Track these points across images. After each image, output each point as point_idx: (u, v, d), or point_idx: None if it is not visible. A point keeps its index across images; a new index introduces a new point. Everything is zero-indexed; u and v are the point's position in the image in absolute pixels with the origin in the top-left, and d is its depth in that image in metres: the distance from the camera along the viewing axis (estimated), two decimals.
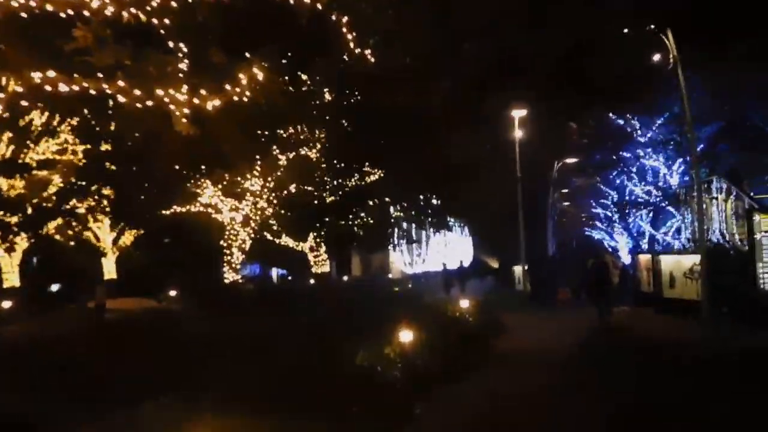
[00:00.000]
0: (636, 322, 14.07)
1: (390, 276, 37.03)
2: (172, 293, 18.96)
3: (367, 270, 39.16)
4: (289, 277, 34.10)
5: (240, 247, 16.58)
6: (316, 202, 18.82)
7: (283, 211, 17.65)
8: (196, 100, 6.05)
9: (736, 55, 18.66)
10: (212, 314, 13.62)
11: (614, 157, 26.48)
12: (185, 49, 6.35)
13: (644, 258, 16.91)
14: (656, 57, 13.07)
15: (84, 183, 15.44)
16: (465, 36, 17.69)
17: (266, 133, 14.55)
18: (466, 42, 17.47)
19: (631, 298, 17.13)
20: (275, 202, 16.85)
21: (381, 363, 8.23)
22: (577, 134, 25.13)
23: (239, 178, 15.58)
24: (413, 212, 22.38)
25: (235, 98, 6.22)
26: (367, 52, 7.41)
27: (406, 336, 9.25)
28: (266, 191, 16.25)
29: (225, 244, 16.47)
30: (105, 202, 16.32)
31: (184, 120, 6.18)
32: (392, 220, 23.00)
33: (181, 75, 6.24)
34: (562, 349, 10.98)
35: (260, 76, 6.31)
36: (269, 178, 16.31)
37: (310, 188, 17.68)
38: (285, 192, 16.95)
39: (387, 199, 20.65)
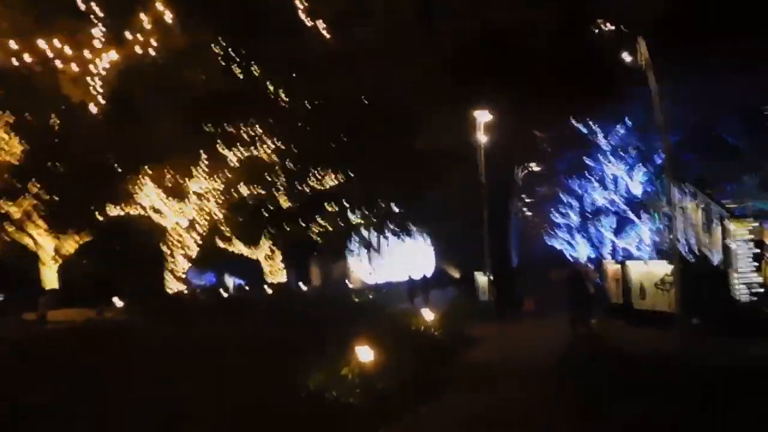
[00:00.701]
0: (607, 334, 13.49)
1: (350, 285, 35.97)
2: (118, 303, 17.42)
3: (327, 279, 38.03)
4: (246, 287, 32.72)
5: (185, 254, 15.08)
6: (269, 206, 17.52)
7: (232, 216, 16.26)
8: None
9: (702, 63, 18.69)
10: (157, 326, 12.31)
11: (575, 166, 26.40)
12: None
13: (612, 267, 16.49)
14: (627, 59, 12.61)
15: (19, 184, 13.73)
16: (441, 14, 16.72)
17: (209, 125, 13.20)
18: (442, 21, 16.47)
19: (599, 309, 16.66)
20: (224, 204, 15.44)
21: (337, 387, 7.16)
22: (542, 141, 24.84)
23: (181, 178, 14.07)
24: (373, 218, 21.37)
25: (139, 49, 5.12)
26: (322, 27, 6.44)
27: (366, 354, 8.21)
28: (214, 193, 14.82)
29: (168, 251, 14.92)
30: (41, 205, 14.59)
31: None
32: (352, 226, 21.88)
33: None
34: (533, 363, 10.23)
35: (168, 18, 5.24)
36: (216, 178, 14.91)
37: (262, 191, 16.38)
38: (235, 194, 15.56)
39: (346, 204, 19.56)
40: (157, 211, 14.50)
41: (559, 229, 34.67)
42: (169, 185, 14.19)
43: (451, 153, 21.87)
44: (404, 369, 8.68)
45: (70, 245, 27.54)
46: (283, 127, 15.63)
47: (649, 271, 13.96)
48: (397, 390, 7.67)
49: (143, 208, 14.54)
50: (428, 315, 13.18)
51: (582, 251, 33.53)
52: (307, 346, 9.36)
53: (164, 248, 15.02)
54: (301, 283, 37.17)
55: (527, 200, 32.35)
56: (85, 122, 9.81)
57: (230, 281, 43.67)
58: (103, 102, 6.90)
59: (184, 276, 14.99)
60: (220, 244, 19.92)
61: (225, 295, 36.80)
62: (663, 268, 13.34)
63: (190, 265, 15.18)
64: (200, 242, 15.19)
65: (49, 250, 26.44)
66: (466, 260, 41.82)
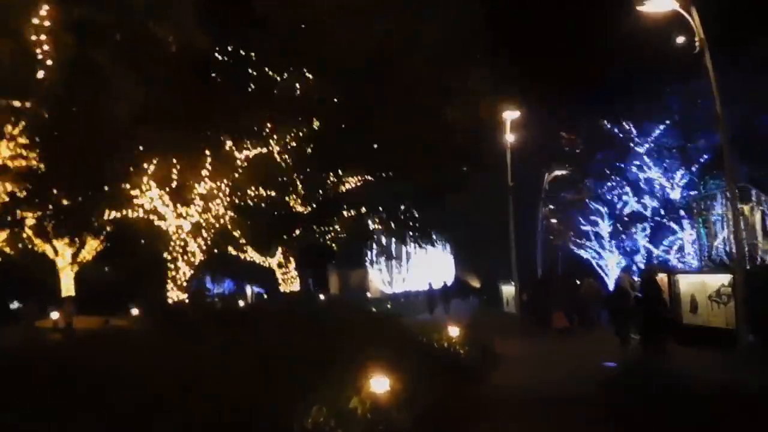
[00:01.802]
0: (654, 354, 11.82)
1: (369, 295, 34.63)
2: (134, 311, 16.86)
3: (345, 288, 36.85)
4: (265, 296, 31.86)
5: (188, 261, 13.88)
6: (282, 210, 16.28)
7: (241, 220, 15.04)
8: None
9: (748, 60, 17.00)
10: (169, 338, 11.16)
11: (607, 171, 24.66)
12: None
13: (657, 279, 14.74)
14: (679, 40, 11.05)
15: (37, 190, 12.79)
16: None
17: (210, 119, 12.00)
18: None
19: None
20: (230, 208, 14.22)
21: (344, 426, 5.74)
22: (570, 143, 23.20)
23: (182, 175, 12.87)
24: (393, 224, 19.94)
25: None
26: None
27: (380, 383, 6.75)
28: (221, 195, 13.61)
29: (169, 257, 13.74)
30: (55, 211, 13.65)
31: None
32: (370, 234, 20.51)
33: None
34: (572, 390, 8.67)
35: None
36: (224, 180, 13.70)
37: (273, 193, 15.13)
38: (243, 197, 14.34)
39: (364, 209, 18.19)
40: (157, 213, 13.32)
41: (587, 238, 32.81)
42: (170, 183, 12.98)
43: (474, 156, 20.32)
44: (425, 398, 7.21)
45: (88, 252, 26.90)
46: (299, 129, 14.36)
47: (703, 281, 12.26)
48: (414, 426, 6.22)
49: (145, 211, 13.39)
50: (452, 330, 11.69)
51: (611, 261, 31.58)
52: (310, 367, 7.90)
53: (165, 254, 13.84)
54: (321, 294, 35.93)
55: (551, 207, 30.59)
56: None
57: (249, 289, 42.83)
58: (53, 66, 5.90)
59: (185, 284, 13.80)
60: (232, 251, 18.68)
61: (241, 303, 35.99)
62: (718, 279, 11.64)
63: (192, 272, 13.97)
64: (205, 248, 13.98)
65: (67, 257, 25.84)
66: (487, 269, 40.24)
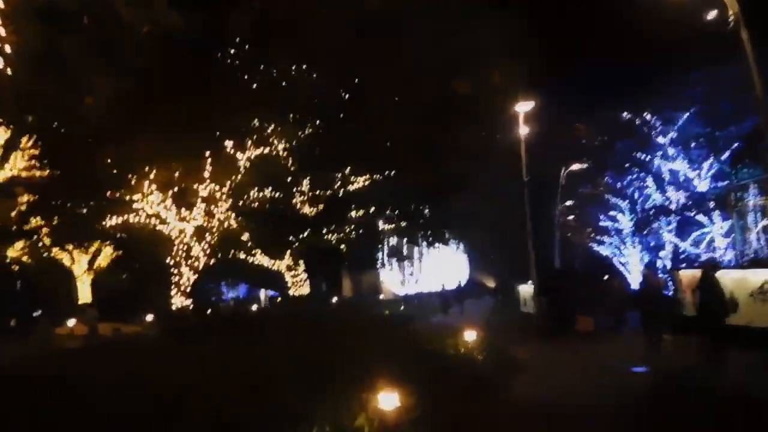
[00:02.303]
0: (690, 358, 10.80)
1: (381, 297, 33.86)
2: (149, 317, 16.46)
3: (359, 291, 36.15)
4: (279, 299, 31.36)
5: (192, 265, 13.20)
6: (288, 212, 15.54)
7: (246, 222, 14.33)
8: None
9: None
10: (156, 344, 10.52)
11: (627, 164, 23.51)
12: None
13: (688, 275, 13.70)
14: (711, 15, 10.05)
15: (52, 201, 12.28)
16: None
17: (208, 118, 11.30)
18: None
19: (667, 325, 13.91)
20: (233, 210, 13.51)
21: None
22: (587, 136, 22.12)
23: (183, 179, 12.19)
24: (403, 223, 19.09)
25: None
26: None
27: (389, 399, 5.94)
28: (223, 197, 12.90)
29: (172, 262, 13.06)
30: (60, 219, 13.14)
31: None
32: (380, 235, 19.68)
33: None
34: (603, 404, 7.73)
35: None
36: (227, 182, 13.00)
37: (277, 194, 14.39)
38: (247, 198, 13.62)
39: (373, 209, 17.38)
40: (159, 218, 12.65)
41: (606, 234, 31.54)
42: (171, 187, 12.31)
43: (485, 151, 19.44)
44: (438, 415, 6.35)
45: (103, 259, 26.68)
46: (303, 128, 13.62)
47: (744, 277, 11.20)
48: None
49: (148, 215, 12.74)
50: (467, 334, 10.79)
51: (633, 258, 30.31)
52: (312, 380, 7.06)
53: (168, 259, 13.19)
54: (333, 297, 35.31)
55: (568, 203, 29.44)
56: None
57: (263, 294, 42.29)
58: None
59: (189, 290, 13.12)
60: (242, 255, 18.03)
61: (254, 308, 35.41)
62: (762, 275, 10.60)
63: (196, 276, 13.29)
64: (209, 252, 13.29)
65: (84, 265, 25.71)
66: (501, 269, 39.07)
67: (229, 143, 12.57)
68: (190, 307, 13.20)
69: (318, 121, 14.48)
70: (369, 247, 22.09)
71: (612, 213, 29.26)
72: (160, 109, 10.59)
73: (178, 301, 12.96)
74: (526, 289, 23.07)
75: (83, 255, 25.64)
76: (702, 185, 21.36)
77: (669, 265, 23.58)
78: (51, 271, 24.28)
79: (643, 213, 25.40)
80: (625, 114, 21.45)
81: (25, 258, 18.84)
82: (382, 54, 13.31)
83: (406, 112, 15.32)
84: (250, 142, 12.93)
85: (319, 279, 34.26)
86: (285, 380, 6.81)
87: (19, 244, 16.02)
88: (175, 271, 12.91)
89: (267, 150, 13.26)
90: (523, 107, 17.02)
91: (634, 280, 25.59)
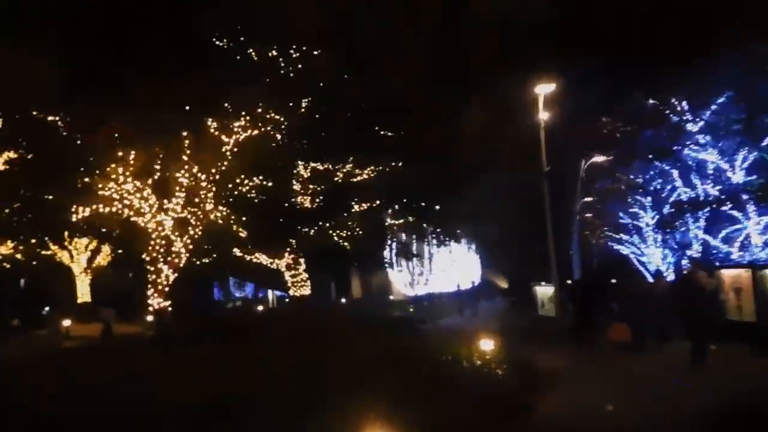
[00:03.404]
0: (742, 371, 8.88)
1: (392, 298, 32.24)
2: (149, 318, 15.14)
3: (368, 291, 34.52)
4: (287, 300, 29.82)
5: (172, 262, 11.56)
6: (284, 203, 13.87)
7: (237, 216, 12.65)
8: None
9: None
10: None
11: (650, 155, 21.46)
12: None
13: (732, 274, 11.78)
14: None
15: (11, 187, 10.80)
16: None
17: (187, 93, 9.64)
18: None
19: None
20: (220, 201, 11.83)
21: None
22: (610, 126, 20.14)
23: (165, 168, 10.48)
24: (412, 219, 17.33)
25: None
26: None
27: None
28: (207, 185, 11.22)
29: (148, 258, 11.41)
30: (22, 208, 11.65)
31: None
32: (387, 232, 17.92)
33: None
34: None
35: None
36: (213, 169, 11.32)
37: (272, 184, 12.70)
38: (234, 187, 11.93)
39: (378, 202, 15.64)
40: (133, 208, 10.98)
41: (626, 231, 29.44)
42: (146, 173, 10.65)
43: (499, 139, 17.65)
44: None
45: (103, 258, 25.33)
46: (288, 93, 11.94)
47: None
48: None
49: (123, 206, 11.11)
50: (484, 343, 9.01)
51: (655, 257, 28.19)
52: (297, 403, 5.40)
53: (144, 255, 11.55)
54: (342, 297, 33.60)
55: (587, 199, 27.39)
56: None
57: (271, 294, 40.64)
58: None
59: (167, 289, 11.48)
60: (237, 252, 16.40)
61: (260, 308, 33.81)
62: None
63: (176, 275, 11.64)
64: (191, 248, 11.64)
65: (83, 263, 24.41)
66: (515, 269, 37.11)
67: (212, 123, 10.89)
68: (169, 309, 11.55)
69: (315, 102, 12.80)
70: (376, 246, 20.30)
71: (633, 210, 27.20)
72: (130, 81, 9.00)
73: (155, 303, 11.31)
74: (543, 291, 21.19)
75: (82, 253, 24.50)
76: (736, 176, 19.26)
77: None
78: (53, 270, 23.21)
79: (669, 208, 23.34)
80: (651, 101, 19.41)
81: (18, 255, 17.56)
82: (390, 26, 11.62)
83: (415, 92, 13.60)
84: (237, 123, 11.23)
85: (328, 280, 32.62)
86: (245, 413, 5.07)
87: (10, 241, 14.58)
88: (152, 269, 11.25)
89: (257, 132, 11.53)
90: (544, 89, 15.18)
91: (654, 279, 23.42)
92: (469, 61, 15.63)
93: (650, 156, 20.83)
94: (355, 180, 15.31)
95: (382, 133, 14.91)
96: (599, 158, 21.65)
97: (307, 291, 17.67)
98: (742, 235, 19.87)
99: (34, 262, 19.37)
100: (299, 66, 11.80)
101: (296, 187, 14.36)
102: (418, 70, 13.72)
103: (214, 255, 15.20)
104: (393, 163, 15.63)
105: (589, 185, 24.91)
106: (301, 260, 17.17)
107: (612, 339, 10.60)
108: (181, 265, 11.65)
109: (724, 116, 17.97)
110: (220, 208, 11.80)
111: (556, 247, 17.88)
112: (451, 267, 35.72)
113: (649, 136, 19.90)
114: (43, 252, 19.98)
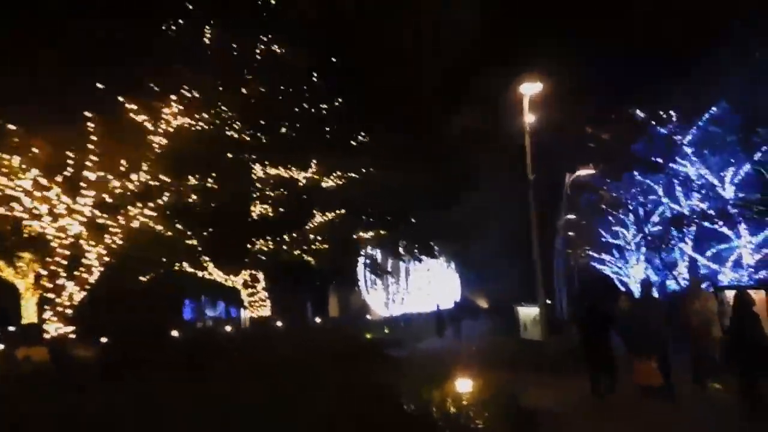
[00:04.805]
0: None
1: (369, 317, 29.67)
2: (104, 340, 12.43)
3: (347, 311, 31.91)
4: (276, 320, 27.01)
5: (80, 278, 8.95)
6: (235, 211, 11.39)
7: (164, 221, 10.12)
8: None
9: None
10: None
11: (636, 173, 19.60)
12: None
13: (756, 296, 9.52)
14: None
15: None
16: None
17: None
18: None
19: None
20: (146, 204, 9.28)
21: None
22: (597, 138, 18.19)
23: (63, 160, 7.90)
24: (383, 231, 14.94)
25: None
26: None
27: None
28: (125, 183, 8.67)
29: (45, 272, 8.74)
30: None
31: None
32: (355, 246, 15.49)
33: None
34: None
35: None
36: (137, 164, 8.82)
37: (215, 185, 10.23)
38: (164, 188, 9.42)
39: (343, 211, 13.25)
40: (26, 209, 8.35)
41: (608, 251, 27.55)
42: (43, 166, 8.07)
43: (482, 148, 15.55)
44: None
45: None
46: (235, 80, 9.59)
47: None
48: None
49: (15, 206, 8.46)
50: (463, 385, 6.55)
51: (638, 276, 26.23)
52: None
53: (42, 270, 8.91)
54: (315, 318, 30.80)
55: (570, 216, 25.38)
56: None
57: (243, 313, 37.49)
58: None
59: (70, 312, 8.80)
60: (189, 269, 13.79)
61: (228, 329, 30.78)
62: None
63: (84, 294, 9.00)
64: (107, 260, 9.05)
65: (30, 280, 21.36)
66: (496, 288, 34.88)
67: (133, 106, 8.46)
68: (70, 336, 8.88)
69: (274, 94, 10.51)
70: (345, 261, 17.82)
71: (615, 228, 25.33)
72: (25, 51, 6.63)
73: (53, 328, 8.64)
74: (526, 312, 18.83)
75: (28, 269, 21.48)
76: (727, 192, 17.37)
77: (683, 284, 19.50)
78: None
79: (654, 225, 21.42)
80: (638, 112, 17.55)
81: None
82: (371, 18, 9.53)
83: (393, 91, 11.52)
84: (167, 110, 8.81)
85: (303, 299, 29.85)
86: None
87: None
88: (50, 285, 8.58)
89: (193, 122, 9.11)
90: (529, 89, 13.04)
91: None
92: (453, 61, 13.57)
93: (639, 169, 18.94)
94: (323, 186, 12.89)
95: (353, 135, 12.64)
96: (585, 171, 19.63)
97: (266, 311, 15.03)
98: (735, 254, 17.90)
99: None
100: (257, 53, 9.59)
101: (252, 191, 11.89)
102: (397, 67, 11.61)
103: (159, 270, 12.52)
104: (364, 170, 13.27)
105: (573, 201, 22.95)
106: (260, 277, 14.57)
107: (638, 382, 7.48)
108: (92, 280, 9.04)
109: (719, 127, 16.11)
110: (147, 212, 9.28)
111: (543, 264, 15.60)
112: (429, 285, 33.26)
113: (639, 149, 17.97)
114: None
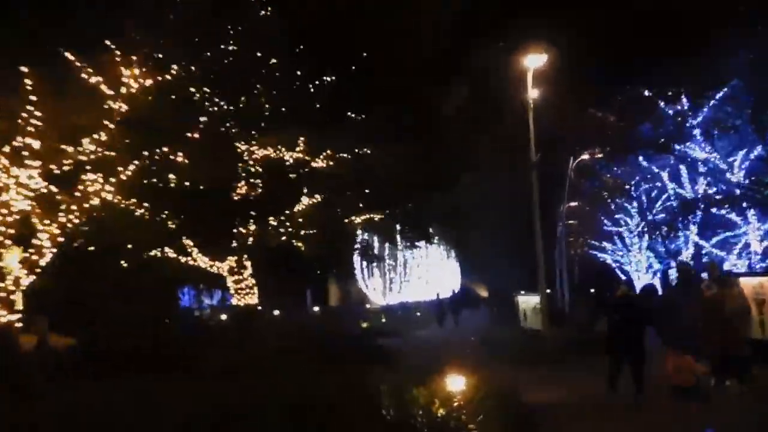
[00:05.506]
0: None
1: (368, 306, 28.70)
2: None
3: (346, 300, 30.91)
4: (259, 307, 25.73)
5: (29, 261, 7.77)
6: (213, 191, 10.18)
7: (138, 200, 8.94)
8: None
9: None
10: None
11: (644, 155, 18.27)
12: None
13: (752, 283, 8.34)
14: None
15: None
16: None
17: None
18: None
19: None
20: (105, 177, 8.05)
21: None
22: (602, 119, 16.85)
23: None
24: (377, 217, 13.72)
25: None
26: None
27: None
28: (76, 151, 7.40)
29: None
30: None
31: None
32: (347, 230, 14.26)
33: None
34: None
35: None
36: (96, 130, 7.57)
37: (186, 161, 9.00)
38: (126, 160, 8.18)
39: (333, 194, 12.01)
40: None
41: (611, 240, 26.29)
42: None
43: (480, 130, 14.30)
44: None
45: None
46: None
47: None
48: None
49: None
50: (454, 383, 5.32)
51: (641, 264, 25.00)
52: None
53: None
54: (314, 307, 29.70)
55: (571, 204, 24.04)
56: None
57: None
58: None
59: (12, 300, 7.68)
60: (171, 254, 12.59)
61: (223, 318, 29.63)
62: None
63: (33, 278, 7.82)
64: (62, 240, 7.88)
65: (15, 268, 20.18)
66: (497, 276, 33.64)
67: (83, 65, 7.21)
68: (16, 325, 7.73)
69: (253, 61, 9.28)
70: (339, 249, 16.62)
71: (618, 216, 24.06)
72: None
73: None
74: (526, 301, 17.71)
75: (9, 251, 20.25)
76: (735, 177, 16.08)
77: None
78: None
79: (656, 213, 20.17)
80: (646, 92, 16.19)
81: None
82: None
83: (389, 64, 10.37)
84: (125, 70, 7.55)
85: (303, 287, 28.73)
86: None
87: None
88: None
89: (155, 83, 7.83)
90: (533, 61, 11.75)
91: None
92: (449, 35, 12.30)
93: (646, 152, 17.64)
94: (313, 167, 11.63)
95: (344, 112, 11.40)
96: (589, 155, 18.32)
97: (253, 299, 13.83)
98: (742, 242, 16.64)
99: None
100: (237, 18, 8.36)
101: (233, 171, 10.66)
102: (390, 40, 10.39)
103: (136, 254, 11.31)
104: (356, 150, 12.01)
105: (576, 187, 21.67)
106: (247, 263, 13.35)
107: (676, 383, 6.05)
108: (42, 263, 7.86)
109: (729, 107, 14.74)
110: (108, 188, 8.06)
111: (544, 252, 14.38)
112: (428, 274, 32.09)
113: (646, 131, 16.63)
114: None
